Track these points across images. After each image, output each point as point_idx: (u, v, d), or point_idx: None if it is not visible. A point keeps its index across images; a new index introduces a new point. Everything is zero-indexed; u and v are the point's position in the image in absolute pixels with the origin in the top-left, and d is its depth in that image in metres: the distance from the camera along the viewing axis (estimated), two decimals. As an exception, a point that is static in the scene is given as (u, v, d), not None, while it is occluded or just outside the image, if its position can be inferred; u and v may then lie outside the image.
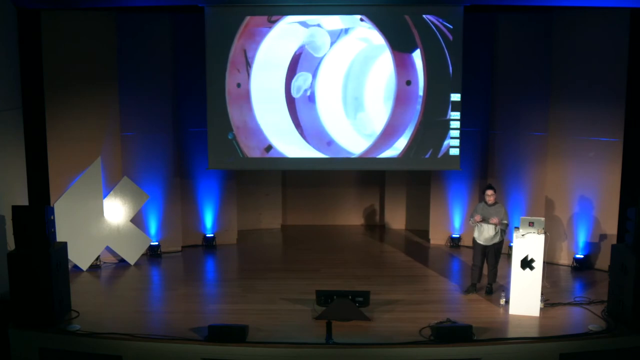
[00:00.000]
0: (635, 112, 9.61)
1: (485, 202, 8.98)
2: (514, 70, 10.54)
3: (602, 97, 9.88)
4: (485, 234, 8.93)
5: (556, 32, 10.19)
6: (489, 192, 8.97)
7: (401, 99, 10.29)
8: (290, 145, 10.47)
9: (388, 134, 10.39)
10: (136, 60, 10.43)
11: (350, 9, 10.10)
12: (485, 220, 8.88)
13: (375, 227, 12.95)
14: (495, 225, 8.85)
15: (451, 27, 10.05)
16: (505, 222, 8.92)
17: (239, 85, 10.33)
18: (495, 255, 9.00)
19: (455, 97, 10.29)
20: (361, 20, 10.11)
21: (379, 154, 10.47)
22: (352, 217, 13.06)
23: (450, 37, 10.09)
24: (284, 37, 10.20)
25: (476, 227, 9.01)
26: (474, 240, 9.13)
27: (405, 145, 10.38)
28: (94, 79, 10.23)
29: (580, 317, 8.29)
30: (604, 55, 9.81)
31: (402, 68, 10.23)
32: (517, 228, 8.48)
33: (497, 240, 8.95)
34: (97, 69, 10.24)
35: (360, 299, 8.35)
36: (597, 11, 9.73)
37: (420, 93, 10.24)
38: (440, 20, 10.05)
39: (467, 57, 10.24)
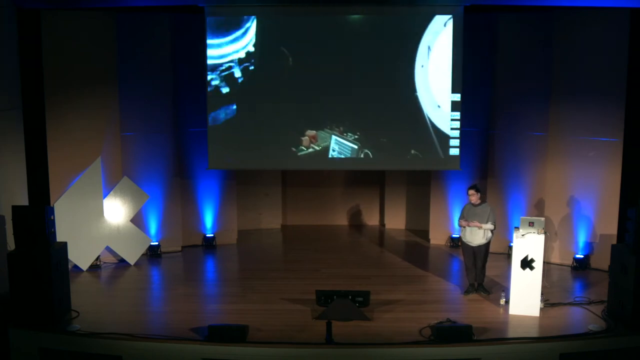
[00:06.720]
0: (635, 112, 9.61)
1: (471, 203, 8.96)
2: (514, 70, 10.53)
3: (602, 97, 9.87)
4: (473, 234, 8.90)
5: (556, 32, 10.20)
6: (470, 192, 8.92)
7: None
8: (292, 144, 10.48)
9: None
10: (136, 60, 10.43)
11: (347, 9, 10.11)
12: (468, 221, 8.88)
13: (375, 227, 12.95)
14: (479, 228, 8.81)
15: (450, 27, 10.07)
16: (490, 224, 8.83)
17: (244, 83, 10.31)
18: (484, 256, 8.99)
19: (455, 97, 10.29)
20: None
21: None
22: (352, 217, 13.06)
23: (450, 38, 10.10)
24: (287, 34, 10.24)
25: (464, 229, 8.99)
26: (462, 241, 9.13)
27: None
28: (94, 79, 10.23)
29: (580, 317, 8.29)
30: (604, 56, 9.81)
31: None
32: (517, 228, 8.48)
33: (484, 241, 8.92)
34: (97, 69, 10.24)
35: (360, 299, 8.37)
36: (597, 11, 9.72)
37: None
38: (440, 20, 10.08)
39: (467, 57, 10.25)
